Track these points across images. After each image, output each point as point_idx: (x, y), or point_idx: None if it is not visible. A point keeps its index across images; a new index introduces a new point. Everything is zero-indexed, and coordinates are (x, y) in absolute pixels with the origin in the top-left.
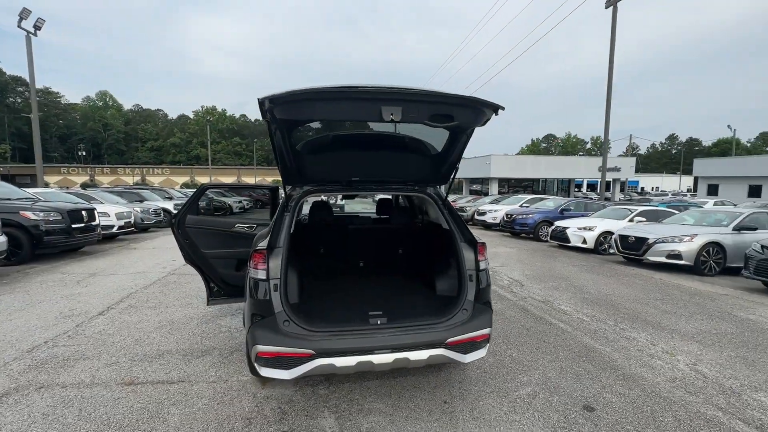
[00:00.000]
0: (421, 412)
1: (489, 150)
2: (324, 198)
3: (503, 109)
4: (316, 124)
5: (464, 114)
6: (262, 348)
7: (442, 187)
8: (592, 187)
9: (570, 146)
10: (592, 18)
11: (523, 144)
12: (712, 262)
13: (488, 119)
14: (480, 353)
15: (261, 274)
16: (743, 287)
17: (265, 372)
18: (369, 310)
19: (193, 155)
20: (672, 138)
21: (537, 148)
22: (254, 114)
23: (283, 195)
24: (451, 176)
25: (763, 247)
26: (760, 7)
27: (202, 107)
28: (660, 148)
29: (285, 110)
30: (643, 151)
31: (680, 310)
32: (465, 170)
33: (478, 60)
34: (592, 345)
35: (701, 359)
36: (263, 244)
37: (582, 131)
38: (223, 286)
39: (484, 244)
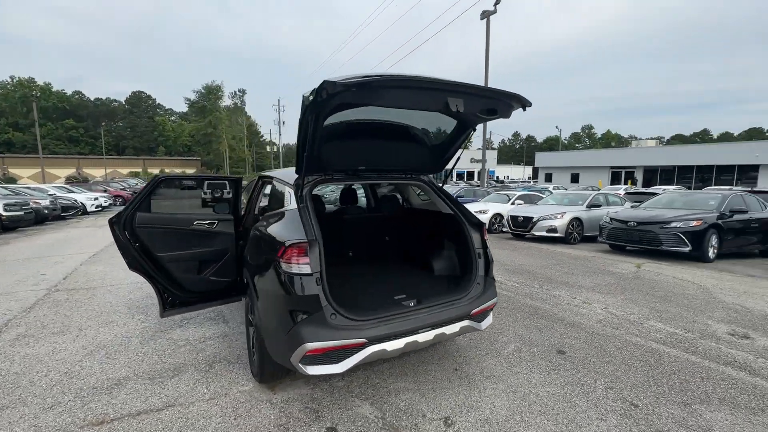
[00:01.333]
0: (442, 381)
1: None
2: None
3: (530, 105)
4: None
5: (503, 108)
6: (313, 345)
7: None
8: (460, 176)
9: None
10: (457, 25)
11: None
12: (575, 233)
13: (512, 112)
14: (490, 319)
15: (304, 269)
16: (601, 250)
17: (313, 370)
18: (393, 295)
19: (2, 140)
20: (516, 135)
21: None
22: (94, 92)
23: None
24: (449, 164)
25: (611, 219)
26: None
27: (12, 78)
28: (507, 143)
29: (353, 95)
30: (495, 145)
31: (574, 270)
32: None
33: (353, 54)
34: (534, 305)
35: (608, 304)
36: (298, 238)
37: None
38: (181, 293)
39: (485, 224)
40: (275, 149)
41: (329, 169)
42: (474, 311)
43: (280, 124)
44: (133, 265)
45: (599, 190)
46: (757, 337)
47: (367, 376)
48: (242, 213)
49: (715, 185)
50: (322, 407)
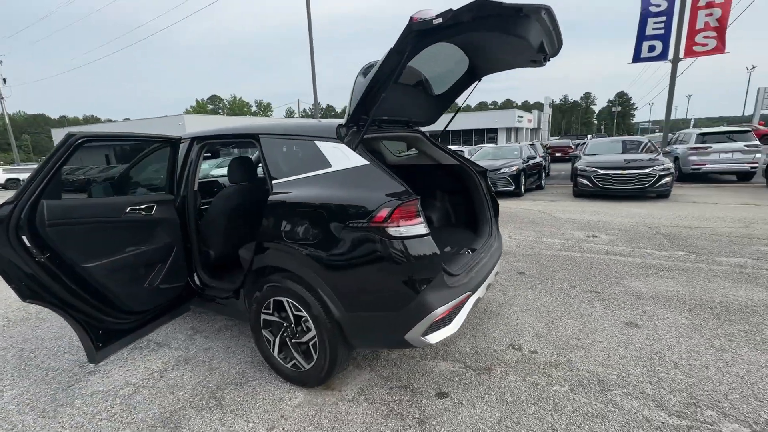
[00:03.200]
0: (482, 322)
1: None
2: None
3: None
4: None
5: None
6: (441, 310)
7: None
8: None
9: (237, 108)
10: None
11: (187, 105)
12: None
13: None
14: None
15: (421, 228)
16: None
17: (434, 338)
18: (442, 247)
19: None
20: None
21: (204, 109)
22: None
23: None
24: (443, 119)
25: None
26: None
27: None
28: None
29: (488, 23)
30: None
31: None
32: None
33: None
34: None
35: (610, 240)
36: (403, 195)
37: (245, 95)
38: (122, 317)
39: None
40: None
41: (375, 118)
42: (501, 252)
43: None
44: (31, 294)
45: None
46: (600, 234)
47: (399, 357)
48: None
49: (485, 143)
50: (405, 381)
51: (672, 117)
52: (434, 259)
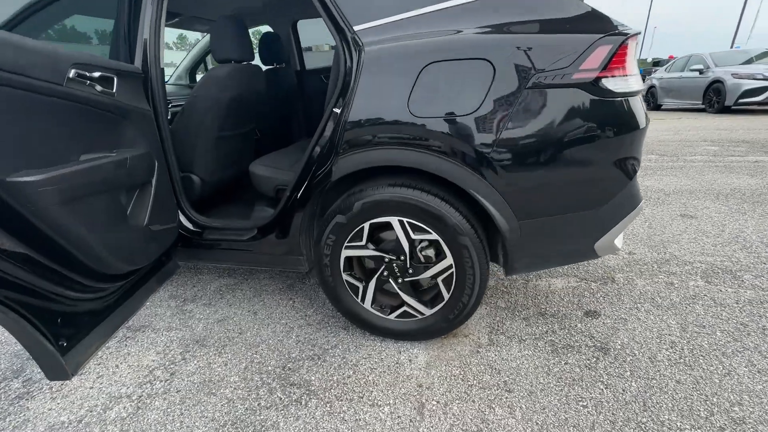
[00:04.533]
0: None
1: None
2: None
3: None
4: None
5: None
6: (643, 202)
7: None
8: None
9: None
10: None
11: None
12: None
13: None
14: None
15: (637, 81)
16: None
17: (620, 241)
18: None
19: None
20: None
21: None
22: None
23: None
24: None
25: None
26: None
27: None
28: None
29: None
30: None
31: None
32: None
33: None
34: None
35: None
36: (611, 30)
37: None
38: (99, 287)
39: None
40: None
41: None
42: None
43: None
44: None
45: None
46: None
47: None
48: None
49: None
50: (533, 307)
51: None
52: (644, 131)
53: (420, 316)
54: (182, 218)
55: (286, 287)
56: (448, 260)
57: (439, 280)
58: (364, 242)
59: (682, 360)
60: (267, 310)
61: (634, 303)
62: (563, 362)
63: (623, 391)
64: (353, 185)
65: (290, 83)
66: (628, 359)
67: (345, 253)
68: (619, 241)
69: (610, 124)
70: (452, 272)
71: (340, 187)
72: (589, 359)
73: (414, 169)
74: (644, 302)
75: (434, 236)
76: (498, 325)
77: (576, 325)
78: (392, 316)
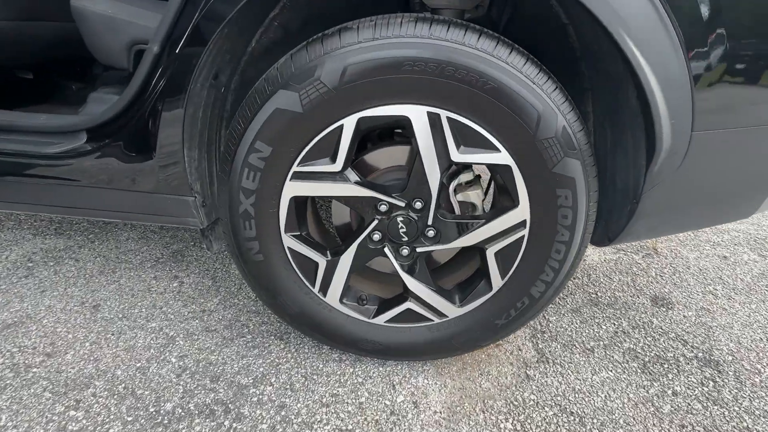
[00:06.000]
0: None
1: None
2: None
3: None
4: None
5: None
6: None
7: None
8: None
9: None
10: None
11: None
12: None
13: None
14: None
15: None
16: None
17: None
18: None
19: None
20: None
21: None
22: None
23: None
24: None
25: None
26: None
27: None
28: None
29: None
30: None
31: None
32: None
33: None
34: None
35: None
36: None
37: None
38: None
39: None
40: None
41: None
42: None
43: None
44: None
45: None
46: None
47: None
48: None
49: None
50: (581, 296)
51: None
52: None
53: (437, 320)
54: None
55: (166, 257)
56: (521, 212)
57: (491, 251)
58: (338, 163)
59: None
60: (121, 302)
61: (704, 285)
62: (669, 392)
63: None
64: (317, 25)
65: None
66: (757, 380)
67: (291, 188)
68: None
69: None
70: (523, 236)
71: (289, 29)
72: (703, 384)
73: None
74: (713, 284)
75: (503, 158)
76: (539, 323)
77: (651, 321)
78: (381, 319)
